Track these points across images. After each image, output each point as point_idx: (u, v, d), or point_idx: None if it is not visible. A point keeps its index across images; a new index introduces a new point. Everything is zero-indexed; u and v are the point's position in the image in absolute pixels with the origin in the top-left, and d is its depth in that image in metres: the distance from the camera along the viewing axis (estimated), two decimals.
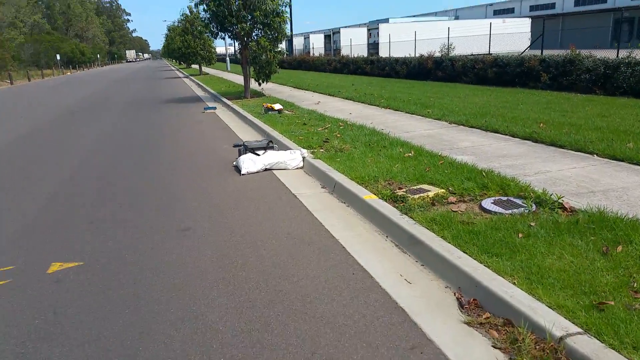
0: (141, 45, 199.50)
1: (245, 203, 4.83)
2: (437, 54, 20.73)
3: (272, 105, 10.90)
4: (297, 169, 6.17)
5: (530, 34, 34.08)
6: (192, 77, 30.63)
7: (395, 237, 3.75)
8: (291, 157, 6.14)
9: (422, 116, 9.15)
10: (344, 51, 35.22)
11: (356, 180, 4.99)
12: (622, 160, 5.14)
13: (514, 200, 4.09)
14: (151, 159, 7.34)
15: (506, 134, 6.92)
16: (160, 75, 37.70)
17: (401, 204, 4.19)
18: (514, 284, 2.71)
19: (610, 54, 13.12)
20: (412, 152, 5.98)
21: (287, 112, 11.05)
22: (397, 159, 5.74)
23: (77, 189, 5.80)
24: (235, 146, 7.70)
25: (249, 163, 6.01)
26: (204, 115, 12.09)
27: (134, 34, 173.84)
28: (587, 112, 8.33)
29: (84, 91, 24.18)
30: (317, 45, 43.85)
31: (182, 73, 38.66)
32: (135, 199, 5.21)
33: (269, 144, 6.60)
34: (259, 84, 15.17)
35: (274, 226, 4.14)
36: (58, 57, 74.47)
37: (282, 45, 17.28)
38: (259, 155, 6.18)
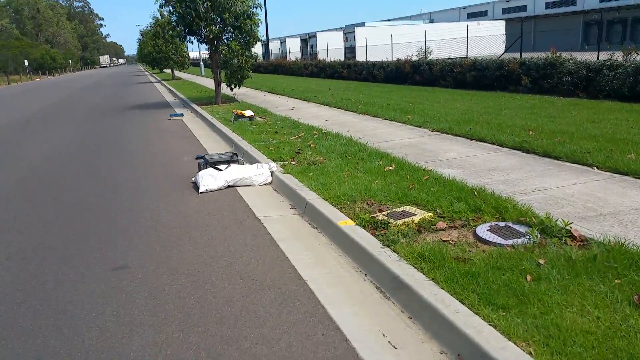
0: (115, 51, 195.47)
1: (197, 231, 4.10)
2: (415, 58, 20.33)
3: (243, 112, 10.17)
4: (264, 184, 5.47)
5: (505, 36, 34.10)
6: (164, 82, 29.60)
7: (375, 277, 3.08)
8: (258, 172, 5.44)
9: (402, 123, 8.56)
10: (321, 55, 34.65)
11: (330, 200, 4.32)
12: (627, 174, 4.60)
13: (514, 226, 3.47)
14: (101, 175, 6.54)
15: (494, 143, 6.35)
16: (132, 81, 36.48)
17: (382, 232, 3.54)
18: (531, 354, 2.07)
19: (589, 56, 12.83)
20: (393, 166, 5.34)
21: (258, 119, 10.33)
22: (376, 174, 5.09)
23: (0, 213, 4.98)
24: (197, 158, 6.97)
25: (209, 179, 5.28)
26: (169, 123, 11.28)
27: (107, 39, 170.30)
28: (575, 118, 7.86)
29: (48, 98, 22.98)
30: (294, 49, 43.18)
31: (155, 78, 37.50)
32: (70, 225, 4.43)
33: (233, 157, 5.88)
34: (231, 89, 14.42)
35: (228, 263, 3.43)
36: (26, 63, 71.99)
37: (256, 49, 16.58)
38: (220, 170, 5.45)
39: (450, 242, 3.33)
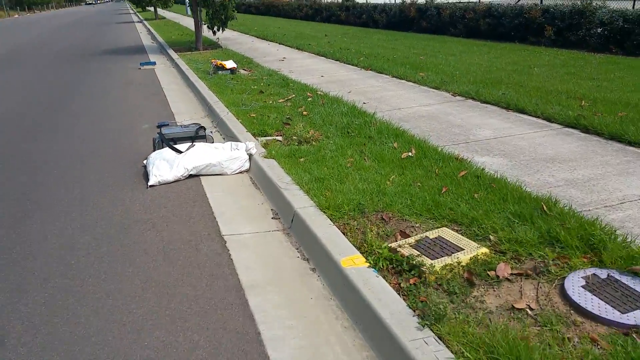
0: None
1: (123, 273, 2.75)
2: (421, 0, 18.30)
3: (223, 63, 8.56)
4: (239, 173, 4.09)
5: None
6: (145, 22, 27.18)
7: None
8: (231, 156, 4.03)
9: (415, 83, 7.06)
10: None
11: (329, 211, 2.98)
12: None
13: (623, 280, 2.18)
14: (34, 147, 5.09)
15: (538, 117, 4.95)
16: (113, 20, 33.72)
17: (412, 281, 2.24)
18: None
19: (625, 5, 11.15)
20: (413, 151, 3.96)
21: (242, 71, 8.75)
22: (391, 163, 3.72)
23: None
24: (158, 126, 5.52)
25: (163, 166, 3.88)
26: (138, 73, 9.64)
27: None
28: (625, 81, 6.42)
29: (16, 39, 20.79)
30: None
31: (138, 17, 34.69)
32: None
33: (199, 132, 4.43)
34: (214, 33, 12.60)
35: (159, 346, 2.11)
36: None
37: None
38: (180, 152, 4.03)
39: (527, 310, 2.04)
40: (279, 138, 4.77)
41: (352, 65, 8.99)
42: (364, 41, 12.86)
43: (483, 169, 3.52)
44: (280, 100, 6.18)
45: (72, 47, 15.59)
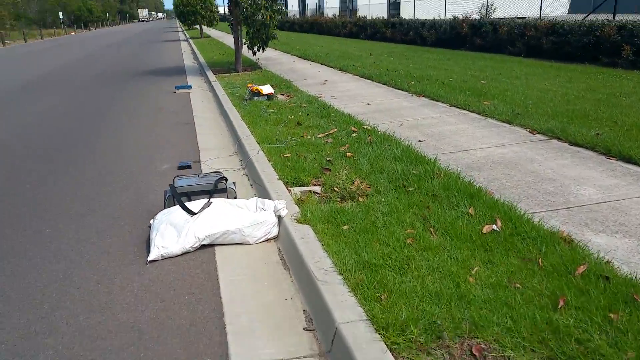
0: (155, 4, 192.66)
1: None
2: (475, 16, 17.12)
3: (260, 88, 7.80)
4: (265, 241, 3.20)
5: None
6: (190, 40, 27.28)
7: None
8: (255, 220, 3.14)
9: (479, 114, 6.00)
10: (361, 11, 31.29)
11: (388, 333, 2.02)
12: None
13: None
14: (23, 194, 4.40)
15: None
16: (161, 38, 34.31)
17: None
18: None
19: None
20: (499, 223, 2.93)
21: (281, 96, 7.96)
22: (469, 242, 2.72)
23: None
24: (180, 167, 4.76)
25: (169, 234, 3.02)
26: (172, 98, 9.05)
27: None
28: None
29: (63, 58, 21.13)
30: (332, 4, 39.59)
31: (185, 35, 35.14)
32: None
33: (219, 185, 3.57)
34: (254, 53, 11.98)
35: None
36: (61, 15, 70.56)
37: (290, 2, 13.90)
38: (194, 213, 3.17)
39: None
40: (317, 189, 3.86)
41: (402, 90, 8.02)
42: (413, 61, 11.87)
43: (608, 262, 2.45)
44: (319, 135, 5.29)
45: (114, 67, 15.44)
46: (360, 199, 3.61)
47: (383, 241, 2.81)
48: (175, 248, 2.98)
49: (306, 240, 2.91)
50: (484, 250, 2.65)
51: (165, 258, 2.97)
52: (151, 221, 3.28)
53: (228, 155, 5.26)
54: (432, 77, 8.86)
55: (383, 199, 3.45)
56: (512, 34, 13.32)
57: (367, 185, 3.81)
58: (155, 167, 4.89)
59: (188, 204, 3.27)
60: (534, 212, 3.12)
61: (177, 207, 3.25)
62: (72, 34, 60.56)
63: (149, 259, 2.94)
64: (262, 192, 3.94)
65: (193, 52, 19.70)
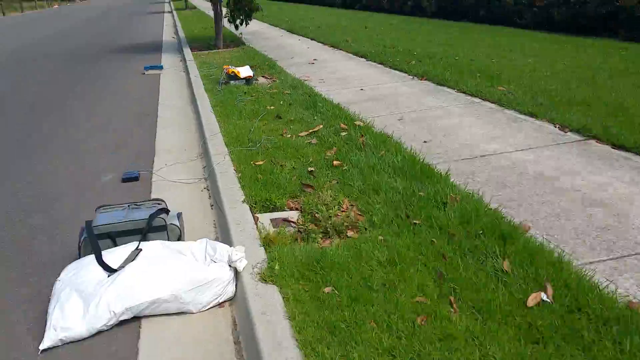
0: None
1: None
2: None
3: (237, 71, 6.76)
4: (216, 306, 2.29)
5: None
6: (174, 12, 25.76)
7: None
8: (199, 281, 2.22)
9: (494, 103, 5.02)
10: None
11: None
12: None
13: None
14: None
15: None
16: (145, 10, 32.54)
17: None
18: None
19: None
20: (549, 290, 2.03)
21: (262, 79, 6.94)
22: (508, 321, 1.82)
23: None
24: (124, 180, 3.81)
25: (73, 307, 2.10)
26: (140, 80, 7.98)
27: None
28: None
29: (38, 33, 19.72)
30: None
31: (170, 7, 33.38)
32: None
33: (153, 221, 2.60)
34: (236, 27, 10.84)
35: None
36: None
37: None
38: (113, 271, 2.24)
39: None
40: (294, 216, 2.95)
41: (401, 71, 6.99)
42: (412, 35, 10.76)
43: None
44: (302, 134, 4.33)
45: (88, 44, 14.20)
46: (349, 233, 2.71)
47: (382, 320, 1.91)
48: (80, 328, 2.06)
49: (269, 317, 2.00)
50: (533, 341, 1.76)
51: (66, 343, 2.06)
52: (57, 281, 2.35)
53: (190, 160, 4.30)
54: (435, 55, 7.83)
55: (380, 237, 2.54)
56: (520, 4, 12.20)
57: (359, 212, 2.89)
58: (95, 178, 3.93)
59: (108, 253, 2.34)
60: (591, 262, 2.22)
61: (92, 257, 2.32)
62: (56, 6, 57.95)
63: (41, 347, 2.03)
64: (221, 220, 3.01)
65: (175, 26, 18.39)
